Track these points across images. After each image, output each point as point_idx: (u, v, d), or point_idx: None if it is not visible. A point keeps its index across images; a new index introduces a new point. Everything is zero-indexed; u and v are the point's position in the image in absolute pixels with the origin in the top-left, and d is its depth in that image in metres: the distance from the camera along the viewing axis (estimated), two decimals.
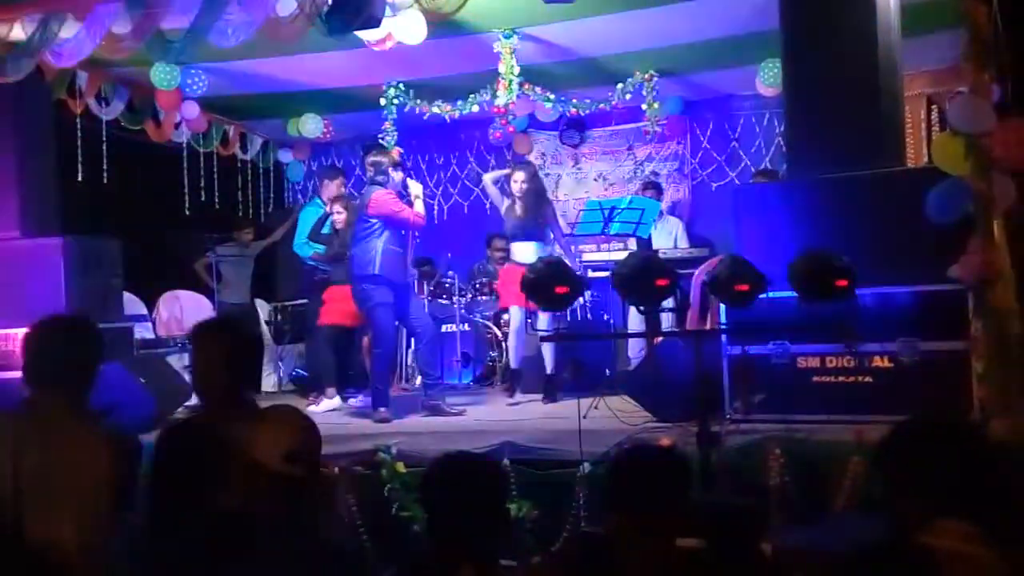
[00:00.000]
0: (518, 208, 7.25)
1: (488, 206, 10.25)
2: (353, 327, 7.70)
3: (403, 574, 2.82)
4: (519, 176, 7.34)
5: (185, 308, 8.73)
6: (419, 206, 6.83)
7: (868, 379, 5.17)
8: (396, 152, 7.66)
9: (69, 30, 5.98)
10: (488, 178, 7.85)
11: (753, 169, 9.38)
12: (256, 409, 3.21)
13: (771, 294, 4.56)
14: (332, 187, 8.41)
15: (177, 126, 8.52)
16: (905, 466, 2.31)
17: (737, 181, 9.34)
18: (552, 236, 7.51)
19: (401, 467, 5.26)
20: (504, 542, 2.86)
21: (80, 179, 7.31)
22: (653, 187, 9.14)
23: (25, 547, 2.81)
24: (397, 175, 6.77)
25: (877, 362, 5.14)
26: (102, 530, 2.92)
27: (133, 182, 8.31)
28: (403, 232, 6.75)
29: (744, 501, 3.89)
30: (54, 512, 2.88)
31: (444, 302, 9.00)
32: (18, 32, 6.07)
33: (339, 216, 7.70)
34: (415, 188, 6.91)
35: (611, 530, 2.43)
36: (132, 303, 7.67)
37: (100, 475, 2.90)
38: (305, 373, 8.76)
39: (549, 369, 7.11)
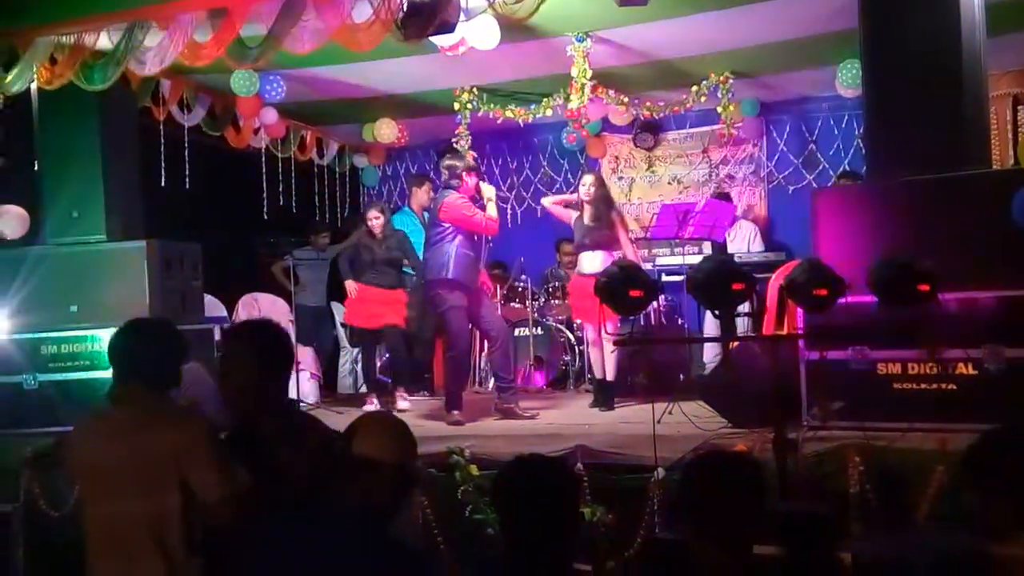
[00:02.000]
0: (586, 216, 7.23)
1: None
2: (377, 329, 7.81)
3: None
4: (587, 180, 7.32)
5: (263, 310, 8.86)
6: (492, 209, 6.85)
7: (952, 387, 5.03)
8: (471, 156, 7.71)
9: (153, 38, 6.12)
10: (547, 201, 7.81)
11: (832, 172, 9.24)
12: (295, 412, 3.32)
13: (850, 299, 4.47)
14: (420, 194, 8.55)
15: (256, 132, 8.68)
16: (996, 474, 2.25)
17: (815, 184, 9.19)
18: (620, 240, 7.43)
19: (474, 469, 5.26)
20: (577, 546, 2.85)
21: (163, 184, 7.48)
22: (723, 196, 9.04)
23: None
24: (471, 179, 6.79)
25: (961, 369, 5.00)
26: (185, 520, 3.00)
27: (213, 187, 8.46)
28: (476, 236, 6.78)
29: (822, 509, 3.82)
30: (140, 498, 2.98)
31: (517, 306, 9.02)
32: (104, 41, 6.23)
33: (376, 222, 7.77)
34: (488, 191, 6.93)
35: (686, 537, 2.40)
36: (212, 305, 7.81)
37: (180, 456, 2.99)
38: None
39: (611, 375, 7.08)
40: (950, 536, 3.48)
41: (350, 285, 7.82)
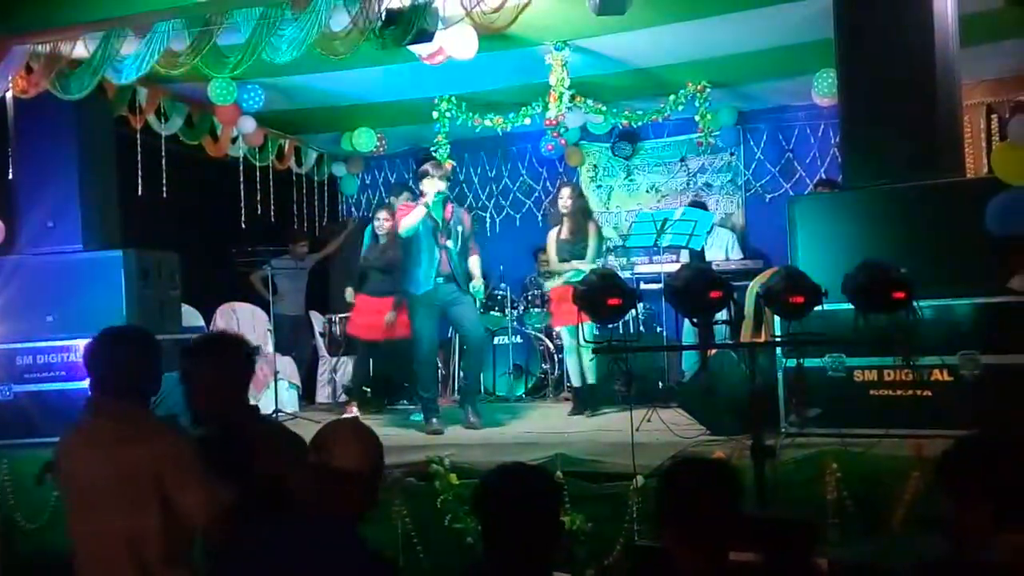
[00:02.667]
0: (565, 230, 7.24)
1: (540, 219, 10.29)
2: (377, 340, 7.84)
3: None
4: (565, 192, 7.34)
5: (241, 320, 8.84)
6: (415, 212, 6.63)
7: (927, 393, 5.07)
8: (448, 165, 7.70)
9: (129, 47, 6.10)
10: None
11: (808, 180, 9.30)
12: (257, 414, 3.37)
13: (827, 306, 4.49)
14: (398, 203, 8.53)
15: (234, 141, 8.65)
16: (970, 480, 2.27)
17: (791, 192, 9.25)
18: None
19: (454, 479, 5.28)
20: (558, 553, 2.86)
21: (140, 193, 7.44)
22: (699, 205, 9.08)
23: None
24: (431, 185, 6.63)
25: (937, 376, 5.05)
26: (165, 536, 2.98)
27: (191, 196, 8.43)
28: (425, 243, 6.66)
29: (799, 515, 3.84)
30: (120, 514, 2.96)
31: (496, 314, 9.03)
32: (80, 50, 6.20)
33: (387, 223, 7.78)
34: (427, 188, 6.68)
35: (665, 543, 2.41)
36: (190, 315, 7.78)
37: (164, 475, 2.97)
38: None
39: (591, 379, 7.10)
40: (926, 542, 3.51)
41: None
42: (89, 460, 3.02)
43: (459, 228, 6.75)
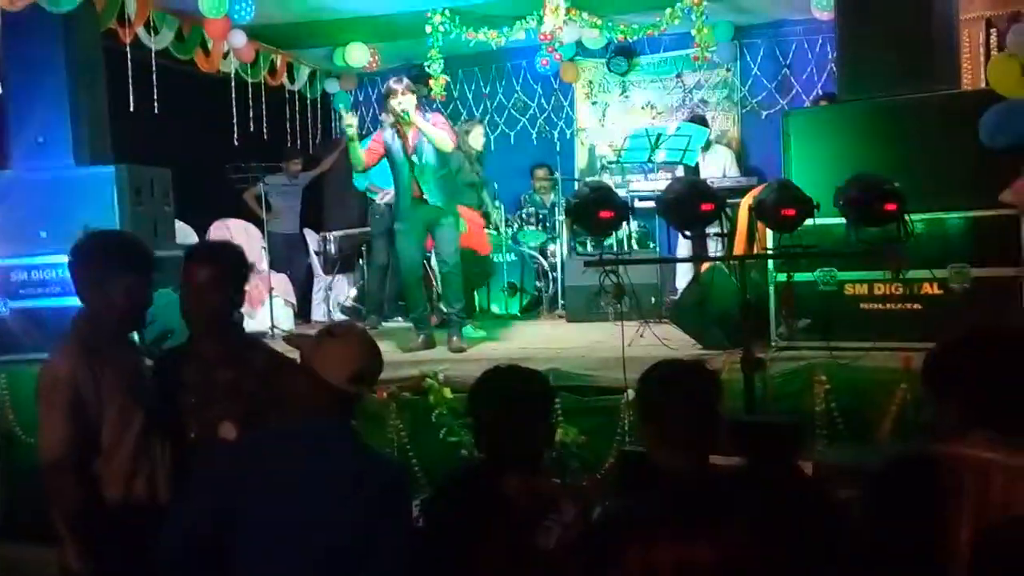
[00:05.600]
0: None
1: (535, 136, 10.25)
2: None
3: (451, 484, 2.88)
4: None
5: (235, 237, 8.79)
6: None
7: (917, 306, 5.11)
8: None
9: None
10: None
11: (805, 96, 9.24)
12: (240, 331, 3.40)
13: (819, 220, 4.50)
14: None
15: (225, 56, 8.54)
16: (945, 376, 2.31)
17: (787, 109, 9.18)
18: None
19: (448, 392, 5.33)
20: (548, 450, 2.92)
21: (131, 109, 7.37)
22: (698, 119, 9.03)
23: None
24: (397, 102, 6.31)
25: (926, 289, 5.09)
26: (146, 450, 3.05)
27: (183, 112, 8.34)
28: (402, 163, 6.49)
29: (782, 419, 3.90)
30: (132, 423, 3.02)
31: (491, 232, 9.03)
32: None
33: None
34: (394, 105, 6.36)
35: (646, 445, 2.46)
36: (183, 232, 7.76)
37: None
38: (355, 303, 8.84)
39: None
40: (908, 445, 3.58)
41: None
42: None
43: (423, 140, 6.35)
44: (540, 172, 9.46)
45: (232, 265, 3.28)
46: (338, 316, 9.01)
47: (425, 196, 6.40)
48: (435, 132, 6.30)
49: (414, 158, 6.36)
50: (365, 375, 2.59)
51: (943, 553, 2.16)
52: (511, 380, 2.84)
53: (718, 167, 8.91)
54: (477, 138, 8.52)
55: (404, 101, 6.28)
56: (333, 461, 2.51)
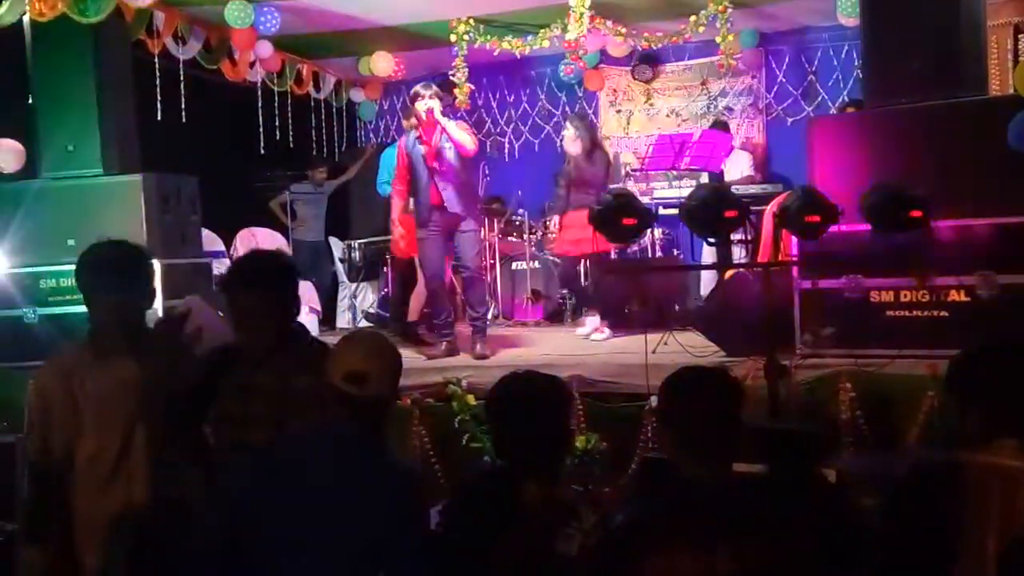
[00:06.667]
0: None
1: (559, 144, 10.25)
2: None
3: (470, 491, 2.89)
4: None
5: (261, 245, 8.88)
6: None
7: (944, 314, 5.07)
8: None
9: None
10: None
11: (831, 103, 9.19)
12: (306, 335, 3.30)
13: (845, 227, 4.48)
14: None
15: (252, 65, 8.60)
16: (970, 383, 2.29)
17: (813, 116, 9.14)
18: None
19: (471, 399, 5.33)
20: (567, 456, 2.92)
21: (159, 118, 7.44)
22: (720, 125, 9.00)
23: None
24: (423, 106, 6.35)
25: (954, 296, 5.04)
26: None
27: (210, 121, 8.41)
28: (422, 170, 6.49)
29: (806, 427, 3.88)
30: (112, 433, 3.04)
31: (515, 239, 9.04)
32: None
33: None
34: (420, 109, 6.40)
35: (668, 452, 2.45)
36: (210, 240, 7.82)
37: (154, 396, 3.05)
38: (380, 311, 8.87)
39: None
40: (933, 452, 3.55)
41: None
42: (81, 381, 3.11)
43: (446, 146, 6.36)
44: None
45: (278, 279, 3.14)
46: (363, 323, 9.03)
47: (445, 203, 6.40)
48: (460, 134, 6.33)
49: (435, 164, 6.38)
50: (361, 376, 2.56)
51: (968, 561, 2.14)
52: (528, 386, 2.84)
53: (738, 170, 8.88)
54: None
55: (430, 103, 6.32)
56: (344, 468, 2.52)
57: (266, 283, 3.09)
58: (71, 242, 6.49)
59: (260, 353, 3.07)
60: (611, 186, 7.01)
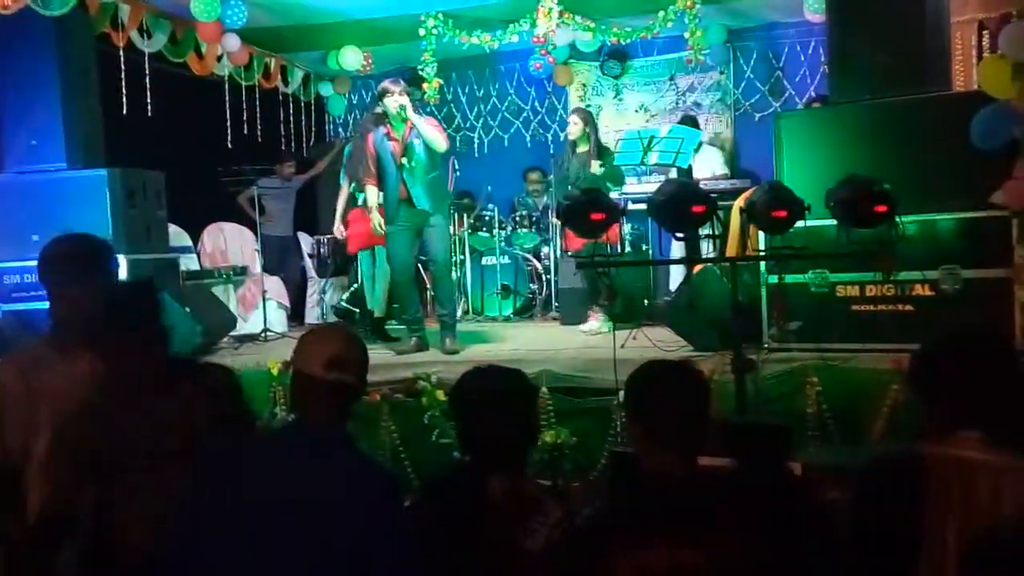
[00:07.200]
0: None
1: (528, 139, 10.27)
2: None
3: (436, 486, 2.88)
4: None
5: (229, 240, 8.85)
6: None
7: (908, 307, 5.14)
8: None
9: None
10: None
11: (798, 99, 9.25)
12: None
13: (811, 222, 4.51)
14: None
15: (219, 59, 8.52)
16: (933, 378, 2.32)
17: (780, 111, 9.19)
18: None
19: (441, 395, 5.33)
20: (532, 449, 2.91)
21: (124, 112, 7.36)
22: (689, 120, 9.04)
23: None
24: (392, 102, 6.33)
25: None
26: None
27: (176, 115, 8.33)
28: (390, 166, 6.48)
29: (772, 420, 3.90)
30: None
31: (484, 235, 9.04)
32: None
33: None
34: (389, 105, 6.38)
35: (634, 446, 2.46)
36: (177, 235, 7.76)
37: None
38: (348, 306, 8.83)
39: None
40: (898, 446, 3.59)
41: None
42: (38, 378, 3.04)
43: (416, 142, 6.33)
44: (533, 175, 9.48)
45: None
46: (332, 319, 9.00)
47: (412, 198, 6.38)
48: (431, 131, 6.31)
49: (404, 160, 6.36)
50: (343, 362, 2.54)
51: (930, 553, 2.17)
52: (491, 380, 2.84)
53: (708, 167, 8.92)
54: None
55: (401, 100, 6.29)
56: (323, 468, 2.45)
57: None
58: (35, 237, 6.42)
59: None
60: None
